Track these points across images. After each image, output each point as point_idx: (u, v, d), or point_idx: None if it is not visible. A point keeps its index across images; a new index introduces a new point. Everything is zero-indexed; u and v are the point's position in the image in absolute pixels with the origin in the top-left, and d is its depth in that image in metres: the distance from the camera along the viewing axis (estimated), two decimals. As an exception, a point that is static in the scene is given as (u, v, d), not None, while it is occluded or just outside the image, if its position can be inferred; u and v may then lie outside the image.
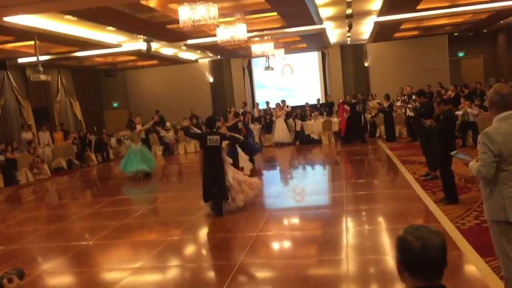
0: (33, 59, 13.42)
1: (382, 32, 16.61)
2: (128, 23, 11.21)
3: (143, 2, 9.72)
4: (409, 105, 13.73)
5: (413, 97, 14.04)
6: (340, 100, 16.33)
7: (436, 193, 7.38)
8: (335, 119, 16.52)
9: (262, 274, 5.08)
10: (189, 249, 6.24)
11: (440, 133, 6.75)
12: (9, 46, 13.62)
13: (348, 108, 15.21)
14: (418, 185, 8.12)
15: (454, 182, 6.95)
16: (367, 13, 13.31)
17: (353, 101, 15.69)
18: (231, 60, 21.68)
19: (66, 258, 6.06)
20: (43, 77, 12.44)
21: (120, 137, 16.28)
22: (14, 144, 14.49)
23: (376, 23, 14.51)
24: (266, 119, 17.58)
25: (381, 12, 12.64)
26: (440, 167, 6.93)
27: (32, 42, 12.26)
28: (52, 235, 7.30)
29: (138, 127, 13.54)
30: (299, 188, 9.81)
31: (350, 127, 15.21)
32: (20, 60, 15.46)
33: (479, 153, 3.35)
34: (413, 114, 12.93)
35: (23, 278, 2.26)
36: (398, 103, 16.56)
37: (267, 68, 18.07)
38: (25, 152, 13.90)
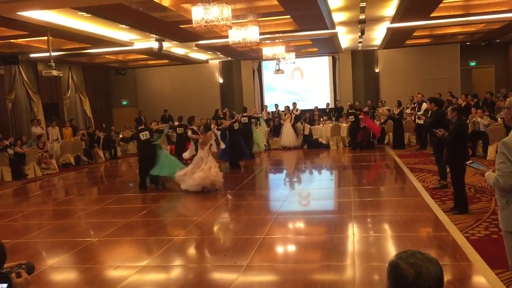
0: (45, 54, 13.51)
1: (394, 39, 16.55)
2: (141, 21, 11.24)
3: (156, 1, 9.74)
4: (419, 112, 13.65)
5: (423, 104, 13.97)
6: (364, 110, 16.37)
7: (446, 202, 7.32)
8: (343, 124, 16.46)
9: (268, 277, 5.04)
10: (194, 250, 6.22)
11: (452, 142, 6.69)
12: (22, 41, 13.72)
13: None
14: (427, 193, 8.06)
15: (465, 191, 6.88)
16: (380, 19, 13.27)
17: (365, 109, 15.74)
18: (242, 62, 21.71)
19: (72, 254, 6.06)
20: (54, 72, 12.50)
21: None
22: (23, 138, 14.59)
23: (388, 29, 14.45)
24: (275, 122, 17.56)
25: (394, 19, 12.60)
26: (452, 176, 6.86)
27: (45, 38, 12.33)
28: (58, 230, 7.31)
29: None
30: (306, 192, 9.76)
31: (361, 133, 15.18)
32: (32, 55, 15.56)
33: (496, 163, 3.30)
34: (422, 123, 12.91)
35: (32, 273, 2.24)
36: (408, 111, 16.48)
37: (277, 71, 18.07)
38: (34, 147, 13.96)
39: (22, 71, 16.47)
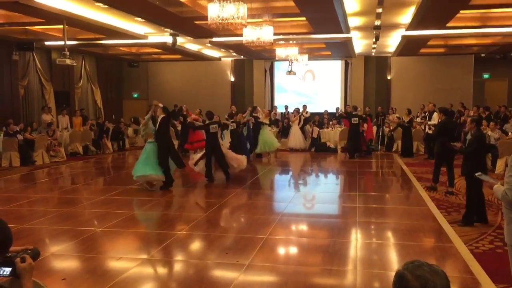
0: (60, 42, 13.60)
1: (408, 47, 16.49)
2: (157, 15, 11.28)
3: (173, -4, 9.78)
4: (430, 122, 13.58)
5: (434, 114, 13.90)
6: (340, 112, 16.23)
7: (451, 213, 7.28)
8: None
9: (269, 278, 5.04)
10: (197, 245, 6.24)
11: (471, 154, 6.63)
12: (37, 28, 13.83)
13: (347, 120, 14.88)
14: (432, 203, 8.02)
15: (484, 202, 6.78)
16: (396, 26, 13.22)
17: (355, 112, 14.90)
18: (254, 61, 21.71)
19: (75, 242, 6.10)
20: (68, 61, 12.58)
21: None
22: (34, 125, 14.69)
23: (403, 37, 14.41)
24: (284, 123, 17.55)
25: (410, 26, 12.55)
26: (469, 187, 6.78)
27: (60, 26, 12.40)
28: (63, 218, 7.35)
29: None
30: (311, 195, 9.75)
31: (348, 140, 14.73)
32: (47, 43, 15.67)
33: (506, 176, 3.28)
34: (431, 132, 12.88)
35: (37, 259, 2.26)
36: (418, 119, 16.40)
37: (289, 72, 18.05)
38: (44, 134, 14.05)
39: (36, 58, 16.59)
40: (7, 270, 2.13)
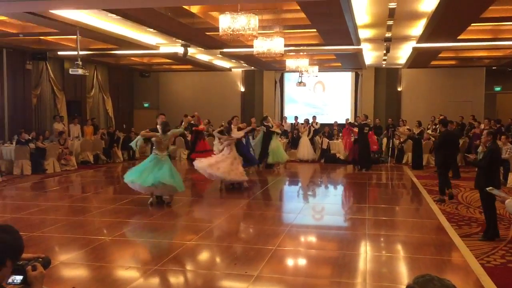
0: (73, 52, 13.76)
1: (419, 59, 16.47)
2: (169, 26, 11.39)
3: (185, 7, 9.88)
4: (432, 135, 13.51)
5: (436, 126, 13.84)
6: (348, 121, 16.11)
7: (462, 227, 7.21)
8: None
9: (277, 289, 5.02)
10: (205, 256, 6.23)
11: (486, 166, 6.58)
12: (51, 38, 14.02)
13: (356, 130, 14.54)
14: (443, 216, 7.94)
15: (496, 216, 6.72)
16: (406, 38, 13.22)
17: (364, 121, 14.64)
18: (264, 72, 21.80)
19: (84, 251, 6.12)
20: (81, 71, 12.72)
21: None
22: (46, 133, 14.85)
23: (414, 49, 14.39)
24: (293, 134, 17.55)
25: (421, 39, 12.54)
26: (483, 201, 6.70)
27: (74, 36, 12.56)
28: (73, 226, 7.39)
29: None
30: (320, 206, 9.72)
31: (357, 151, 14.36)
32: (60, 53, 15.87)
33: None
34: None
35: (48, 267, 2.27)
36: (429, 131, 16.33)
37: (300, 83, 18.08)
38: (55, 143, 14.18)
39: (49, 68, 16.80)
40: (19, 278, 2.14)
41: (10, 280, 2.12)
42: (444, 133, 9.54)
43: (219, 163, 10.40)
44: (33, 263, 2.19)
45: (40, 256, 2.25)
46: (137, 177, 8.65)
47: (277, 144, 14.67)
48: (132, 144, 10.00)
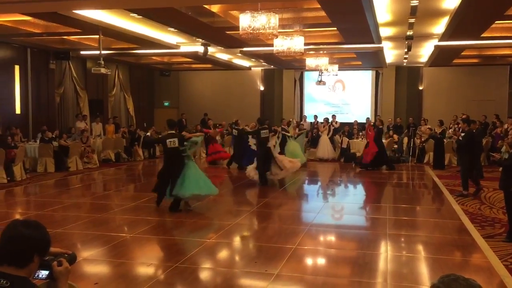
0: (95, 52, 13.97)
1: (441, 57, 16.25)
2: (189, 25, 11.47)
3: (205, 6, 9.93)
4: (463, 134, 13.27)
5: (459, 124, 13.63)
6: (371, 122, 15.93)
7: (485, 228, 7.10)
8: (383, 140, 16.23)
9: (297, 288, 5.02)
10: (225, 254, 6.26)
11: (509, 167, 6.47)
12: (74, 38, 14.25)
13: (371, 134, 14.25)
14: (465, 216, 7.83)
15: None
16: (428, 36, 13.06)
17: (381, 126, 14.91)
18: (284, 71, 21.78)
19: (106, 248, 6.21)
20: (103, 70, 12.90)
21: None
22: (72, 130, 15.15)
23: (436, 47, 14.20)
24: (313, 133, 17.49)
25: (443, 37, 12.37)
26: (507, 202, 6.59)
27: (96, 36, 12.75)
28: (95, 223, 7.50)
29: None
30: (340, 205, 9.67)
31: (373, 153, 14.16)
32: (83, 52, 16.11)
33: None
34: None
35: (73, 263, 2.32)
36: (451, 131, 16.10)
37: (319, 82, 18.01)
38: (78, 141, 14.40)
39: (72, 67, 17.07)
40: (44, 273, 2.19)
41: (36, 275, 2.17)
42: (468, 132, 9.62)
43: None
44: (59, 259, 2.23)
45: (67, 252, 2.29)
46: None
47: (294, 146, 14.36)
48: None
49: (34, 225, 2.13)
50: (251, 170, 11.34)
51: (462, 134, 12.02)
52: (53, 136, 13.94)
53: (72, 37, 14.26)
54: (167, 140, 8.38)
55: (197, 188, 8.22)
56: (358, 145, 16.40)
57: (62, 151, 13.63)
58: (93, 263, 5.71)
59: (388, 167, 14.28)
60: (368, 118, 19.50)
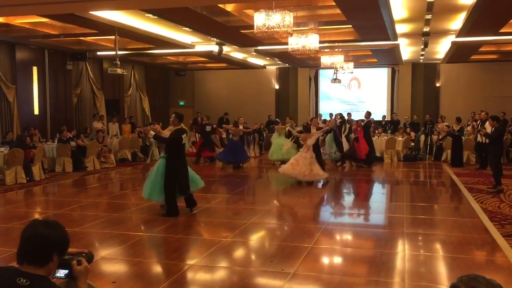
0: (111, 52, 14.09)
1: (458, 53, 16.04)
2: (204, 25, 11.50)
3: (220, 6, 9.94)
4: (481, 132, 13.10)
5: (487, 122, 13.45)
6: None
7: (505, 226, 6.99)
8: (399, 138, 16.10)
9: (315, 287, 5.00)
10: (241, 253, 6.26)
11: None
12: (90, 38, 14.39)
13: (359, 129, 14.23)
14: (485, 215, 7.72)
15: None
16: (445, 32, 12.90)
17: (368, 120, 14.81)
18: (299, 69, 21.71)
19: (124, 247, 6.26)
20: (119, 70, 13.01)
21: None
22: (88, 130, 15.29)
23: (453, 43, 14.02)
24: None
25: (461, 33, 12.20)
26: None
27: (112, 37, 12.86)
28: (112, 222, 7.57)
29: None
30: (357, 204, 9.61)
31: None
32: (99, 53, 16.27)
33: None
34: (482, 141, 12.58)
35: (91, 262, 2.34)
36: (469, 128, 15.89)
37: (335, 80, 17.91)
38: (94, 141, 14.55)
39: (88, 68, 17.26)
40: (64, 272, 2.22)
41: (55, 274, 2.20)
42: (499, 128, 10.26)
43: (299, 165, 10.81)
44: (78, 258, 2.26)
45: (83, 251, 2.31)
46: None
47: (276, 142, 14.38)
48: None
49: (53, 224, 2.15)
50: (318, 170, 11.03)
51: (484, 130, 11.98)
52: (71, 136, 14.11)
53: (88, 38, 14.41)
54: (182, 136, 8.01)
55: (196, 182, 8.36)
56: (375, 143, 16.24)
57: (80, 151, 13.79)
58: (110, 262, 5.76)
59: (365, 164, 14.21)
60: (384, 116, 19.34)
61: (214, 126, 16.54)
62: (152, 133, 8.00)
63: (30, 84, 15.12)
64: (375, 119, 18.37)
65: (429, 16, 10.54)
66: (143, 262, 5.68)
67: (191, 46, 14.94)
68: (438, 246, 6.35)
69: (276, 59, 18.87)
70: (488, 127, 12.30)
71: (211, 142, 15.57)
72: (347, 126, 16.83)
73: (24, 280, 2.02)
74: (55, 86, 15.98)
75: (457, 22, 11.62)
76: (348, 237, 7.07)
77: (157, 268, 5.55)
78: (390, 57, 17.57)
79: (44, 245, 2.08)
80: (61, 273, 2.21)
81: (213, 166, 14.81)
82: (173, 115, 8.20)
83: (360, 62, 19.18)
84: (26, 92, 14.95)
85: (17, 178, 11.31)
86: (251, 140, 16.45)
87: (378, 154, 15.88)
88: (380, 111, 20.30)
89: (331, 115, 19.04)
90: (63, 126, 14.22)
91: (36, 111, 15.38)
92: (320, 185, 11.09)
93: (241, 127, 14.51)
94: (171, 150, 7.91)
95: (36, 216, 8.41)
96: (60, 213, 8.27)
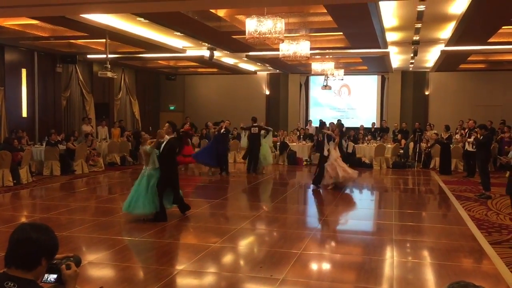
0: (102, 56, 14.04)
1: (447, 62, 16.21)
2: (195, 29, 11.50)
3: (212, 11, 9.95)
4: (469, 139, 13.22)
5: (475, 129, 13.59)
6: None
7: (492, 234, 7.05)
8: (388, 145, 16.20)
9: (303, 293, 5.00)
10: (230, 258, 6.25)
11: None
12: (81, 41, 14.31)
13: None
14: (472, 223, 7.78)
15: None
16: (435, 41, 13.04)
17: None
18: (289, 75, 21.80)
19: (111, 251, 6.21)
20: (109, 74, 12.96)
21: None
22: (76, 134, 15.17)
23: (442, 52, 14.17)
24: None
25: (450, 42, 12.34)
26: None
27: (103, 40, 12.80)
28: (100, 227, 7.51)
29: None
30: (346, 211, 9.64)
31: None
32: (89, 56, 16.19)
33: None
34: (470, 149, 12.67)
35: (79, 266, 2.32)
36: (457, 136, 16.03)
37: (325, 86, 17.98)
38: (83, 143, 14.44)
39: (78, 71, 17.15)
40: (52, 277, 2.19)
41: (44, 279, 2.18)
42: (487, 135, 10.46)
43: (334, 169, 11.24)
44: (66, 262, 2.24)
45: (69, 255, 2.29)
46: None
47: (263, 146, 14.42)
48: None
49: (43, 228, 2.13)
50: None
51: (470, 139, 12.10)
52: (59, 139, 13.99)
53: (79, 41, 14.33)
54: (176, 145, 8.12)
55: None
56: (364, 150, 16.37)
57: (68, 154, 13.68)
58: (98, 266, 5.71)
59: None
60: (373, 123, 19.46)
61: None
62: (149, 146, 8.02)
63: (19, 87, 14.99)
64: (364, 126, 18.51)
65: (419, 25, 10.65)
66: (131, 267, 5.64)
67: (182, 50, 14.93)
68: (426, 253, 6.38)
69: (267, 65, 18.93)
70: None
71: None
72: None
73: (12, 284, 1.99)
74: (44, 88, 15.85)
75: (447, 31, 11.75)
76: (336, 243, 7.08)
77: (146, 273, 5.50)
78: (380, 65, 17.71)
79: (33, 249, 2.06)
80: (51, 277, 2.18)
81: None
82: (167, 124, 8.29)
83: (350, 69, 19.30)
84: (15, 94, 14.81)
85: (4, 181, 11.18)
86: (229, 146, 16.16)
87: (367, 161, 15.97)
88: (369, 118, 20.43)
89: (320, 121, 19.09)
90: (52, 130, 14.10)
91: (25, 114, 15.24)
92: (310, 190, 11.10)
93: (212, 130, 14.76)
94: (168, 160, 7.97)
95: (23, 219, 8.32)
96: (47, 216, 8.18)
